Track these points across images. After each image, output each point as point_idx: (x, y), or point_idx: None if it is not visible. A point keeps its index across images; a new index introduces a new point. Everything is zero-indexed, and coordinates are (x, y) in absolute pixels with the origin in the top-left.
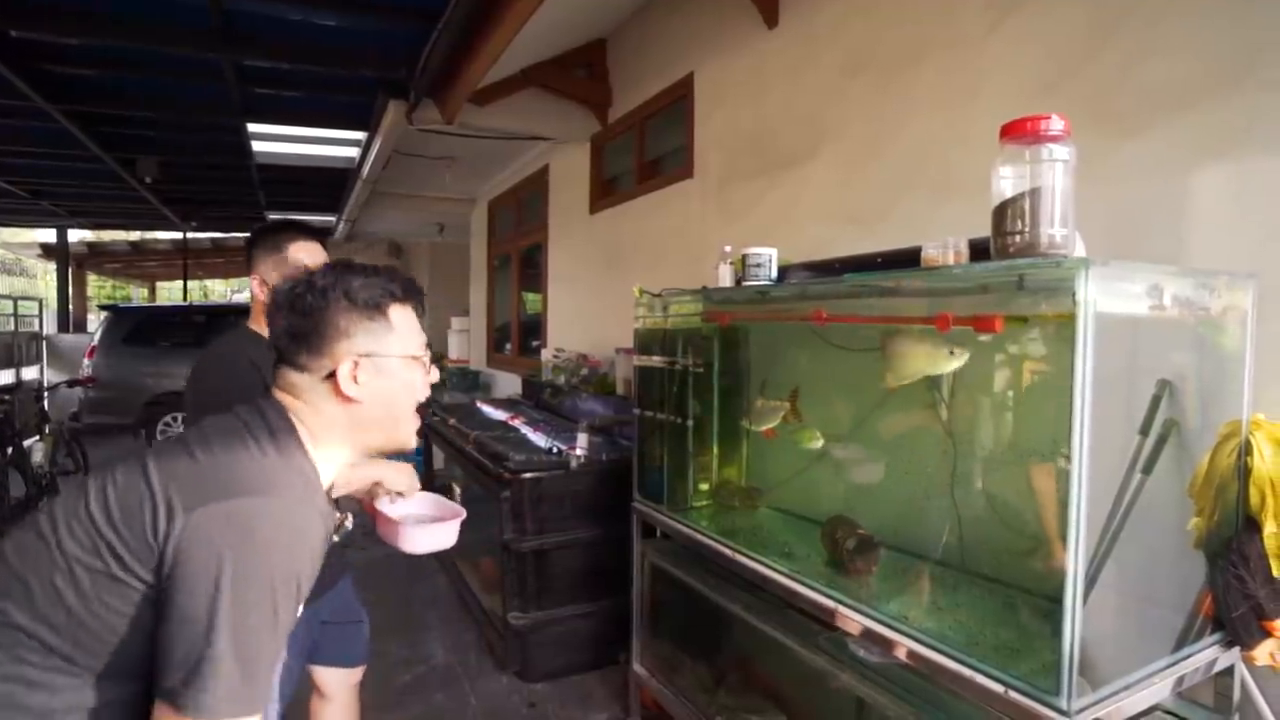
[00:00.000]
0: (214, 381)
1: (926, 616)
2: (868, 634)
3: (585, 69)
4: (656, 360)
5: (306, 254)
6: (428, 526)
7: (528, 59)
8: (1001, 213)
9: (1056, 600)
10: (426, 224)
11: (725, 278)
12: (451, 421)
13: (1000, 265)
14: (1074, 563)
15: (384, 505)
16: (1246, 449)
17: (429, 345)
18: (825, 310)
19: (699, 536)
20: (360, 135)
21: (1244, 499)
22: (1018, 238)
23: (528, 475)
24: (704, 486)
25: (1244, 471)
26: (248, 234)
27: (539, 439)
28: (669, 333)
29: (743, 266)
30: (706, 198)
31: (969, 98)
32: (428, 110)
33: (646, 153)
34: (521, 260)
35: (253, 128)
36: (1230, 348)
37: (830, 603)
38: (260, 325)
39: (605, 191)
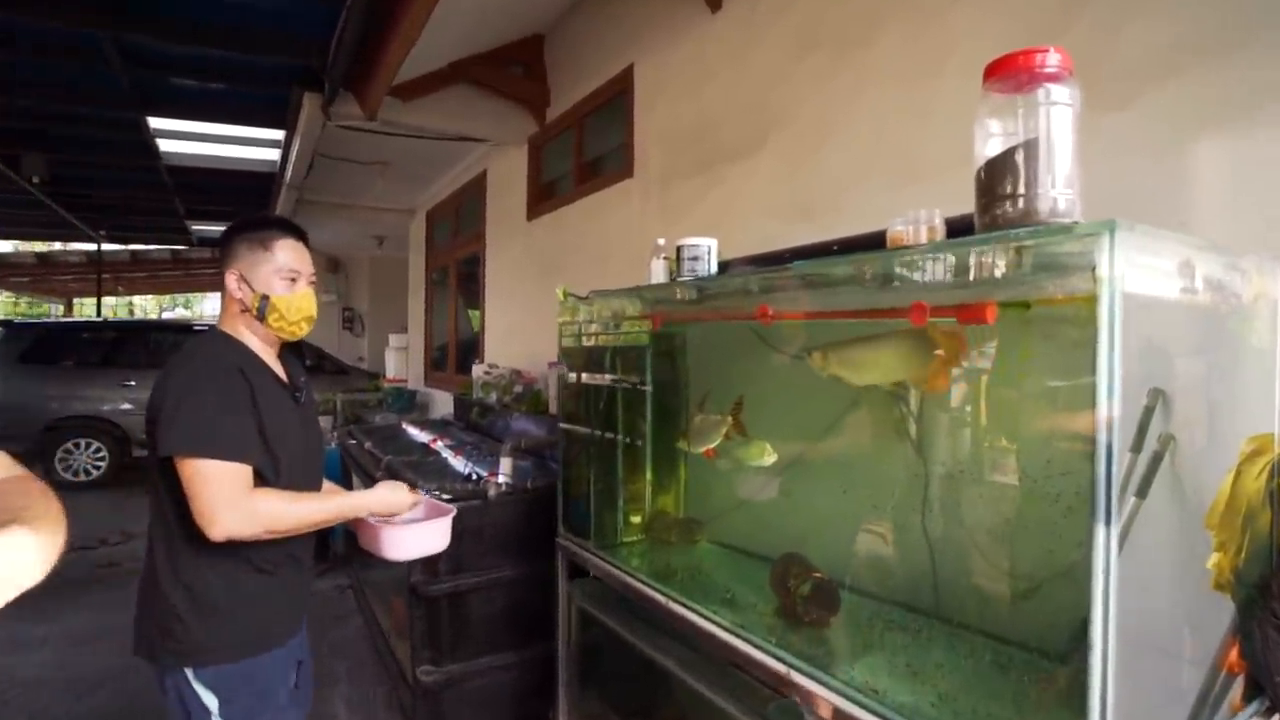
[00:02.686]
0: (193, 386)
1: (900, 684)
2: (829, 711)
3: (521, 67)
4: (577, 374)
5: (295, 255)
6: (413, 527)
7: (456, 52)
8: (990, 174)
9: (1059, 658)
10: (364, 236)
11: (659, 273)
12: (367, 445)
13: (995, 236)
14: (1101, 616)
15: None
16: None
17: None
18: (771, 307)
19: (628, 578)
20: (278, 134)
21: None
22: (1009, 205)
23: None
24: (636, 519)
25: (1277, 496)
26: (173, 248)
27: (459, 464)
28: (598, 340)
29: (678, 260)
30: (647, 197)
31: (930, 74)
32: (346, 104)
33: (585, 153)
34: (459, 272)
35: (155, 123)
36: (1257, 344)
37: (781, 667)
38: (236, 328)
39: (543, 196)
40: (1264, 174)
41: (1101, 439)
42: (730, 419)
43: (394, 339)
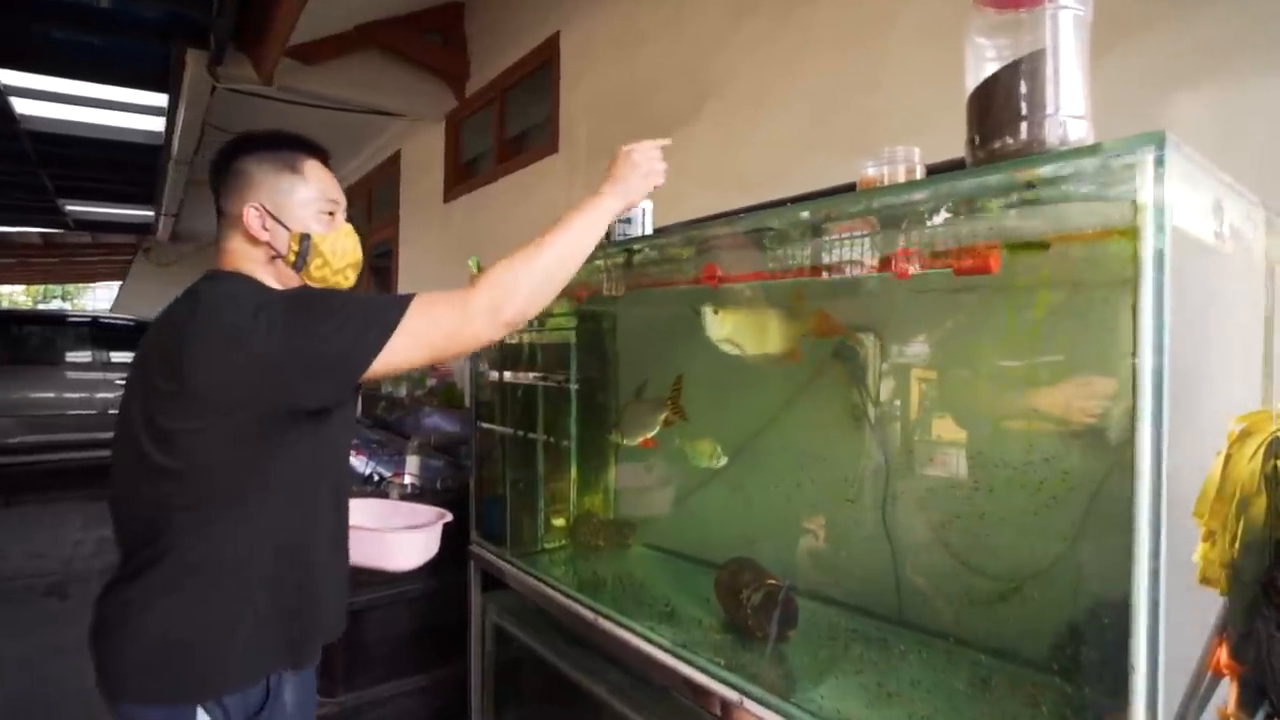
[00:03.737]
0: (295, 313)
1: (876, 711)
2: None
3: (439, 35)
4: (487, 360)
5: (330, 181)
6: (414, 532)
7: (365, 13)
8: (984, 98)
9: (1044, 667)
10: None
11: None
12: None
13: (1002, 166)
14: (1148, 652)
15: None
16: (1277, 449)
17: None
18: (719, 271)
19: (548, 590)
20: (162, 99)
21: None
22: (1009, 134)
23: None
24: (559, 522)
25: (1275, 480)
26: (44, 230)
27: (360, 463)
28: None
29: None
30: (574, 174)
31: (880, 32)
32: (238, 65)
33: (507, 129)
34: (371, 261)
35: (7, 78)
36: (1253, 310)
37: (733, 694)
38: (260, 271)
39: (462, 176)
40: (1259, 118)
41: (1146, 429)
42: (669, 403)
43: None
